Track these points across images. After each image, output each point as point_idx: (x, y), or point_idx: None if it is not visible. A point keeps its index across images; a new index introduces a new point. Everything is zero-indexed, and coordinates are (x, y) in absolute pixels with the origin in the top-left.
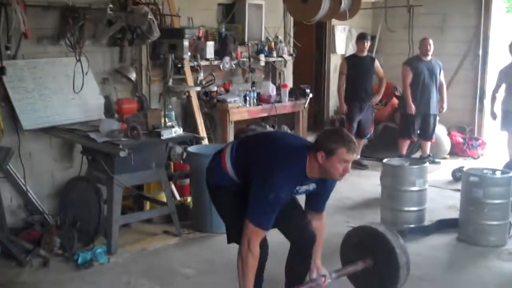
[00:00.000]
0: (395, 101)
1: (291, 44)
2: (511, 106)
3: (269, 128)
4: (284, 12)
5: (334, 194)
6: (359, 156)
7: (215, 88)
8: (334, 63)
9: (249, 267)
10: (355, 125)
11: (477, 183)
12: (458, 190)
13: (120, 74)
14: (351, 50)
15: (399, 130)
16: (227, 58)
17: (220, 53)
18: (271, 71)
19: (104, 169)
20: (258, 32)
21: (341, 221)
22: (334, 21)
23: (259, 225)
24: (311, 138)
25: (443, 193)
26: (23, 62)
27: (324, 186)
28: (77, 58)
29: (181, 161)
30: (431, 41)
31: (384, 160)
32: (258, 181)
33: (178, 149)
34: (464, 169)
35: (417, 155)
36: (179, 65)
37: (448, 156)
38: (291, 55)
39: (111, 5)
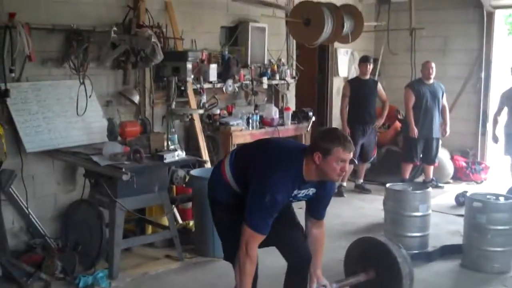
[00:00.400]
0: (397, 124)
1: (294, 67)
2: None
3: None
4: (287, 35)
5: (337, 219)
6: (361, 180)
7: (218, 111)
8: (337, 86)
9: (246, 273)
10: (358, 148)
11: (481, 209)
12: (462, 215)
13: (123, 96)
14: (354, 73)
15: (402, 154)
16: (230, 81)
17: (223, 76)
18: (274, 94)
19: (107, 193)
20: (261, 55)
21: (344, 247)
22: (336, 44)
23: (256, 229)
24: None
25: (446, 218)
26: (27, 84)
27: (324, 191)
28: (81, 80)
29: (184, 185)
30: (433, 64)
31: (387, 185)
32: (255, 185)
33: (181, 173)
34: (468, 194)
35: (420, 179)
36: (182, 88)
37: (451, 181)
38: (293, 78)
39: (115, 28)
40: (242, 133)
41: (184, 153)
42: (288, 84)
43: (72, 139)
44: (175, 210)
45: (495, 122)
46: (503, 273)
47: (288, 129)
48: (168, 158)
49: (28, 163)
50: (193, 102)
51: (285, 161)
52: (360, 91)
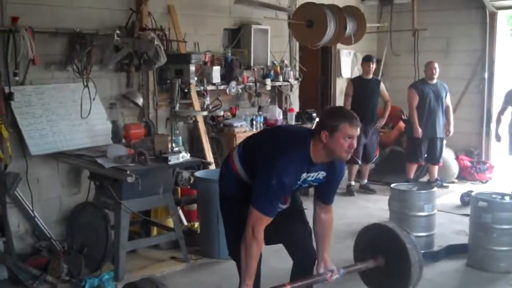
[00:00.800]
0: (401, 124)
1: (297, 68)
2: None
3: None
4: (290, 37)
5: (342, 219)
6: (366, 181)
7: (221, 113)
8: (340, 87)
9: (253, 255)
10: (360, 148)
11: (486, 208)
12: (467, 215)
13: (127, 99)
14: (357, 74)
15: (406, 154)
16: (233, 83)
17: (226, 78)
18: (277, 96)
19: (112, 195)
20: (264, 56)
21: (349, 247)
22: (339, 45)
23: (263, 212)
24: None
25: (451, 217)
26: (31, 88)
27: (333, 175)
28: (85, 83)
29: (188, 186)
30: (436, 65)
31: (392, 185)
32: (262, 168)
33: (185, 174)
34: (473, 193)
35: (424, 179)
36: (186, 90)
37: (456, 180)
38: (297, 79)
39: (118, 31)
40: (246, 134)
41: (189, 155)
42: (291, 86)
43: (76, 141)
44: (180, 211)
45: (499, 121)
46: (509, 272)
47: None
48: (173, 160)
49: (32, 166)
50: (196, 104)
51: (292, 144)
52: (363, 90)
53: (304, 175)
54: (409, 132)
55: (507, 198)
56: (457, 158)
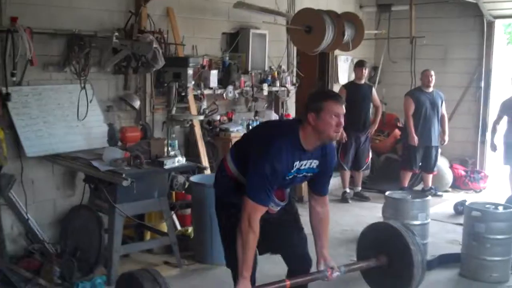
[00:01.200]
0: (397, 132)
1: (294, 73)
2: None
3: None
4: (288, 42)
5: (336, 226)
6: (360, 188)
7: (218, 117)
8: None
9: (249, 245)
10: (350, 155)
11: (480, 218)
12: (461, 224)
13: (124, 102)
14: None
15: (401, 162)
16: (230, 87)
17: (223, 82)
18: (274, 101)
19: (106, 198)
20: (262, 61)
21: (344, 255)
22: (337, 51)
23: (257, 201)
24: None
25: (445, 227)
26: (28, 88)
27: (325, 164)
28: (82, 85)
29: (183, 191)
30: (432, 73)
31: (387, 193)
32: (254, 158)
33: (180, 179)
34: (467, 203)
35: (419, 187)
36: (183, 94)
37: (450, 189)
38: (294, 84)
39: (116, 33)
40: None
41: (184, 159)
42: (288, 91)
43: (72, 144)
44: (174, 216)
45: (494, 130)
46: (501, 282)
47: None
48: (168, 164)
49: (28, 168)
50: (193, 108)
51: (281, 132)
52: (355, 95)
53: (297, 163)
54: (404, 140)
55: (500, 208)
56: (451, 167)
